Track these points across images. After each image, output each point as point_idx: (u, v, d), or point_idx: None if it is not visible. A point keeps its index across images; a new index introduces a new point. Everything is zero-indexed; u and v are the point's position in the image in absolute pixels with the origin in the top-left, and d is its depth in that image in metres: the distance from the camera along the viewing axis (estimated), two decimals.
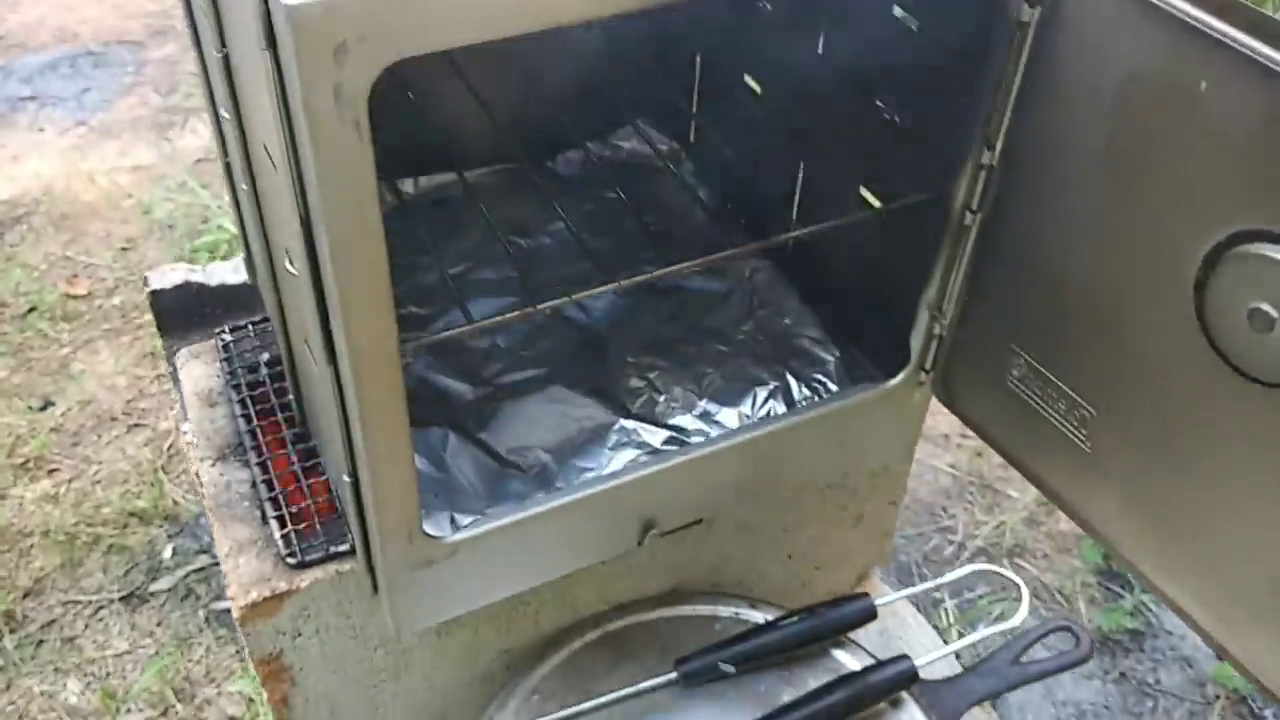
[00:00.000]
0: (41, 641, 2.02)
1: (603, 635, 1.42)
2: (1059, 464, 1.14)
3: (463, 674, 1.39)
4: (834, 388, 1.34)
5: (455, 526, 1.16)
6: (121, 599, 2.10)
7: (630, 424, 1.27)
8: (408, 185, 1.50)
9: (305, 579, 1.18)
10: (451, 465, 1.22)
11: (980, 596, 2.08)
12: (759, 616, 1.44)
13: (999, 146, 1.06)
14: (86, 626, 2.07)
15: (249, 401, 1.33)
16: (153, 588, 2.15)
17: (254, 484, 1.26)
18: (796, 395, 1.33)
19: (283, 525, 1.21)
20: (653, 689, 1.33)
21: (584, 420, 1.27)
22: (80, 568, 2.16)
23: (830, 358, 1.37)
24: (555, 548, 1.16)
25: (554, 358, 1.34)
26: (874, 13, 1.15)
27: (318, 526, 1.22)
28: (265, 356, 1.38)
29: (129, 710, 1.90)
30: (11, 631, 2.01)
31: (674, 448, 1.25)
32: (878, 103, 1.21)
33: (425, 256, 1.42)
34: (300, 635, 1.22)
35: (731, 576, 1.51)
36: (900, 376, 1.25)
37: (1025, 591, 1.33)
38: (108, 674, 1.97)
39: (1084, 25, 0.95)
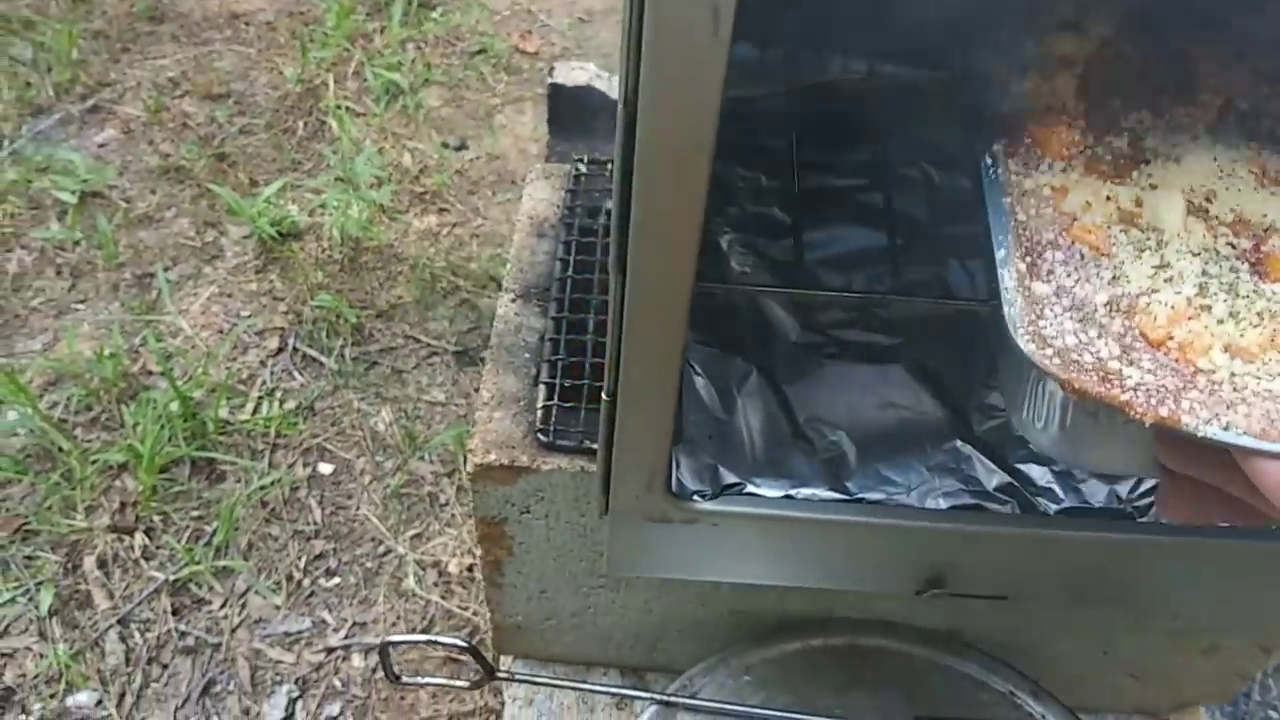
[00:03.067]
0: (375, 364, 2.11)
1: (847, 646, 1.21)
2: None
3: (686, 614, 1.24)
4: None
5: (716, 480, 0.98)
6: (455, 354, 2.14)
7: (966, 449, 1.01)
8: (848, 66, 1.24)
9: (549, 462, 1.06)
10: (740, 408, 1.02)
11: None
12: (1037, 711, 1.18)
13: None
14: (417, 366, 2.13)
15: (574, 246, 1.19)
16: (485, 354, 2.19)
17: (544, 337, 1.14)
18: None
19: (549, 395, 1.08)
20: None
21: (914, 421, 1.02)
22: (431, 310, 2.21)
23: None
24: (815, 560, 0.96)
25: (913, 331, 1.08)
26: None
27: (583, 412, 1.08)
28: (610, 204, 1.23)
29: (422, 458, 1.95)
30: (355, 344, 2.11)
31: (1008, 500, 0.98)
32: None
33: (829, 154, 1.18)
34: (528, 513, 1.11)
35: (1026, 643, 1.24)
36: None
37: None
38: (418, 417, 2.02)
39: None
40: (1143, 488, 1.00)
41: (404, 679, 1.18)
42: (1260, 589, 0.96)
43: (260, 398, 2.01)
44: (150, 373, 2.02)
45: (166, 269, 2.20)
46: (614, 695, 1.27)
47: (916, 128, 1.12)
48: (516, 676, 1.20)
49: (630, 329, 0.75)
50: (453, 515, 1.86)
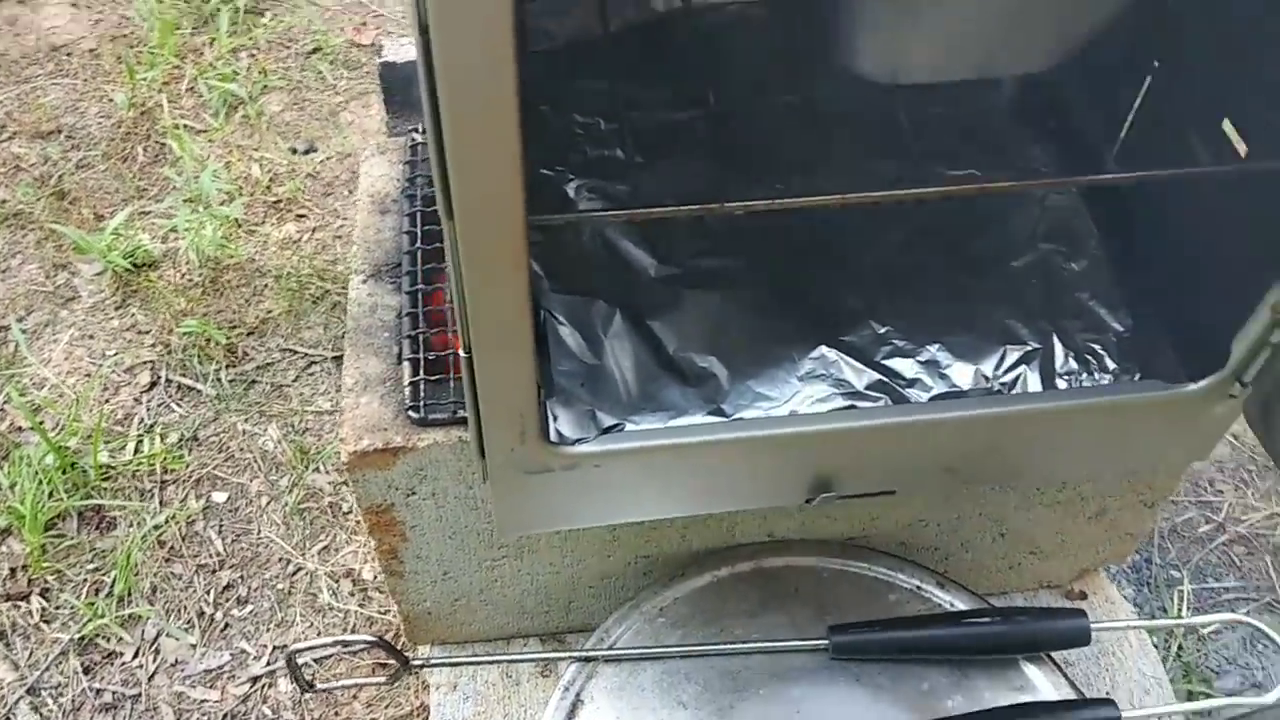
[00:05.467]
0: (254, 382, 2.05)
1: (754, 571, 1.22)
2: None
3: (593, 568, 1.23)
4: (1111, 365, 1.03)
5: (595, 425, 0.97)
6: (334, 359, 2.09)
7: (832, 354, 1.02)
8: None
9: (425, 438, 1.04)
10: (608, 350, 1.02)
11: (1227, 589, 1.75)
12: (945, 600, 1.20)
13: None
14: (297, 378, 2.08)
15: (420, 218, 1.17)
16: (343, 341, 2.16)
17: (400, 314, 1.12)
18: (1059, 365, 1.03)
19: (415, 371, 1.06)
20: (795, 649, 1.14)
21: (778, 334, 1.03)
22: (304, 319, 2.16)
23: (1117, 327, 1.05)
24: (700, 485, 0.96)
25: (766, 249, 1.08)
26: None
27: (452, 382, 1.06)
28: None
29: (317, 469, 1.90)
30: (229, 366, 2.05)
31: (880, 396, 1.00)
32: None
33: (661, 90, 1.18)
34: (414, 494, 1.09)
35: (926, 540, 1.27)
36: (1205, 382, 0.93)
37: None
38: (306, 429, 1.97)
39: None
40: (1006, 364, 1.03)
41: (317, 685, 1.16)
42: (1124, 443, 0.99)
43: (140, 436, 1.94)
44: (20, 429, 1.93)
45: (20, 319, 2.10)
46: (534, 662, 1.26)
47: (741, 55, 1.12)
48: (431, 661, 1.18)
49: (471, 274, 0.74)
50: (357, 522, 1.83)
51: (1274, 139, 0.88)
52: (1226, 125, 0.94)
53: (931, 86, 0.99)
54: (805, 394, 1.00)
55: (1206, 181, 0.92)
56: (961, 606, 1.19)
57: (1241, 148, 0.93)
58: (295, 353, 2.12)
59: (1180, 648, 1.63)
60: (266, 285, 2.21)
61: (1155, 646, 1.46)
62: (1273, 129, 0.88)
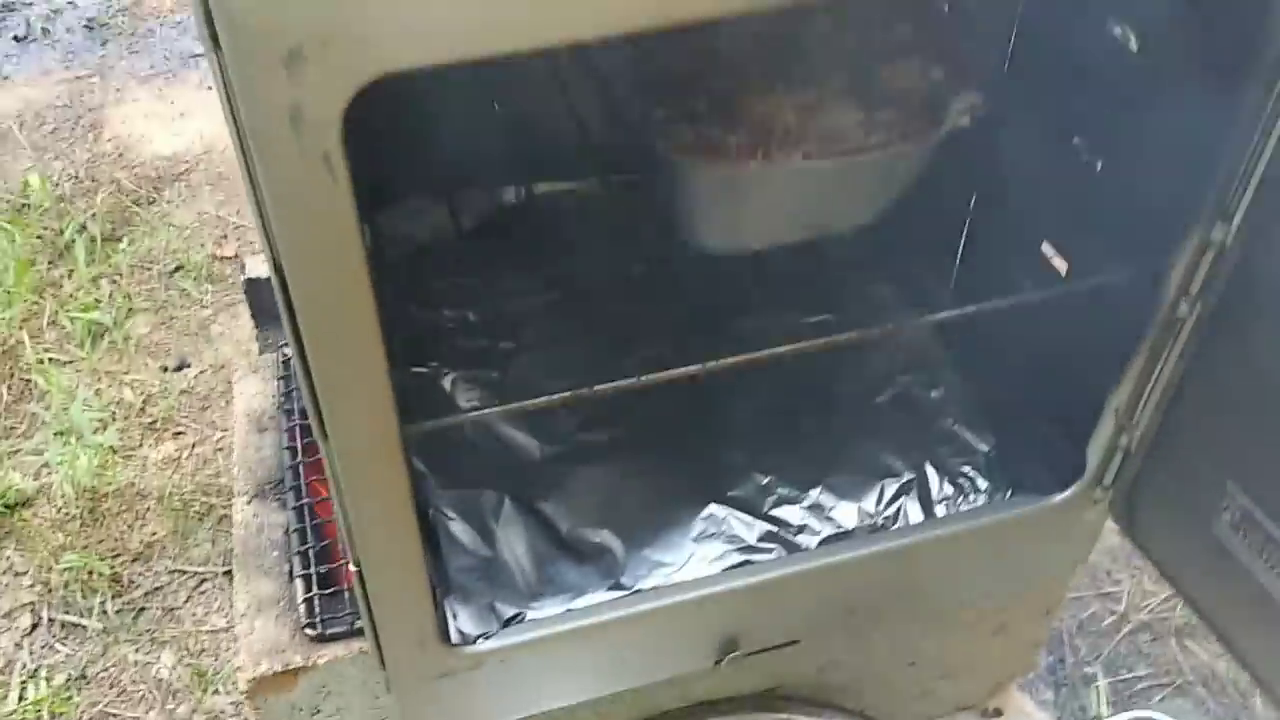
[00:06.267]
0: (143, 609, 1.97)
1: None
2: (1273, 642, 0.85)
3: None
4: (983, 485, 1.08)
5: (496, 618, 0.96)
6: (226, 573, 2.02)
7: (722, 511, 1.04)
8: (509, 194, 1.28)
9: (324, 654, 1.01)
10: (501, 539, 1.02)
11: (1140, 679, 1.78)
12: None
13: (1238, 219, 0.78)
14: (188, 599, 2.01)
15: (299, 432, 1.17)
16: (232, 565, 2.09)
17: (288, 531, 1.10)
18: (935, 493, 1.07)
19: (308, 587, 1.04)
20: None
21: (667, 500, 1.05)
22: (190, 537, 2.10)
23: (983, 447, 1.11)
24: (610, 663, 0.95)
25: (645, 416, 1.11)
26: (1081, 25, 0.87)
27: (347, 594, 1.04)
28: None
29: (217, 692, 1.82)
30: (115, 596, 1.97)
31: (772, 547, 1.02)
32: (1075, 139, 0.93)
33: (520, 278, 1.22)
34: (319, 712, 1.06)
35: (841, 679, 1.27)
36: (1070, 491, 0.98)
37: None
38: (202, 650, 1.89)
39: None
40: (886, 498, 1.06)
41: None
42: (1008, 558, 1.02)
43: (23, 682, 1.84)
44: None
45: None
46: None
47: (591, 236, 1.18)
48: None
49: (351, 490, 0.75)
50: None
51: (1089, 258, 0.95)
52: (1046, 247, 1.02)
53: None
54: (700, 555, 1.01)
55: (1041, 302, 0.99)
56: None
57: (1063, 267, 1.00)
58: (184, 573, 2.06)
59: (1100, 693, 1.66)
60: (149, 508, 2.15)
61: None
62: (1086, 249, 0.96)
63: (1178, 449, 0.90)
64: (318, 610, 1.03)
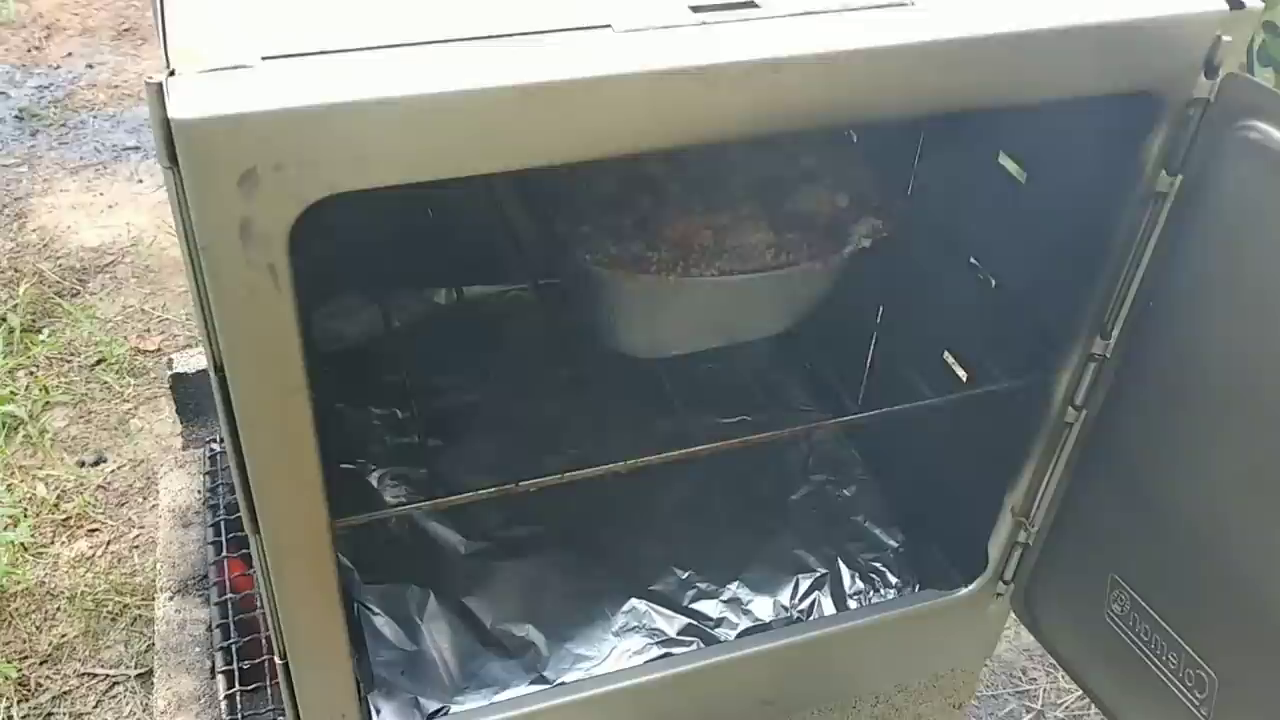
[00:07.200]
0: (50, 715, 1.90)
1: None
2: None
3: None
4: (893, 580, 1.13)
5: (420, 713, 0.98)
6: (138, 677, 1.97)
7: (643, 605, 1.07)
8: (440, 296, 1.33)
9: None
10: (426, 635, 1.04)
11: None
12: None
13: (1115, 335, 0.85)
14: (98, 704, 1.94)
15: (223, 527, 1.18)
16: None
17: (211, 626, 1.10)
18: (848, 587, 1.12)
19: (230, 684, 1.04)
20: None
21: (589, 594, 1.08)
22: (102, 638, 2.04)
23: (892, 543, 1.16)
24: None
25: (569, 512, 1.14)
26: (974, 157, 0.96)
27: (269, 689, 1.05)
28: None
29: None
30: (21, 700, 1.90)
31: (691, 640, 1.05)
32: (971, 259, 1.01)
33: (449, 377, 1.26)
34: None
35: None
36: (974, 585, 1.03)
37: None
38: None
39: (1241, 200, 0.74)
40: (800, 592, 1.11)
41: None
42: (917, 649, 1.07)
43: None
44: None
45: None
46: None
47: (517, 339, 1.22)
48: None
49: (280, 583, 0.76)
50: None
51: (986, 367, 1.02)
52: (947, 356, 1.09)
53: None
54: (622, 648, 1.04)
55: (943, 406, 1.05)
56: None
57: (965, 375, 1.07)
58: (95, 675, 2.00)
59: None
60: (59, 608, 2.10)
61: None
62: (984, 359, 1.03)
63: (1070, 545, 0.96)
64: (239, 706, 1.03)
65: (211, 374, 0.68)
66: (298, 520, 0.73)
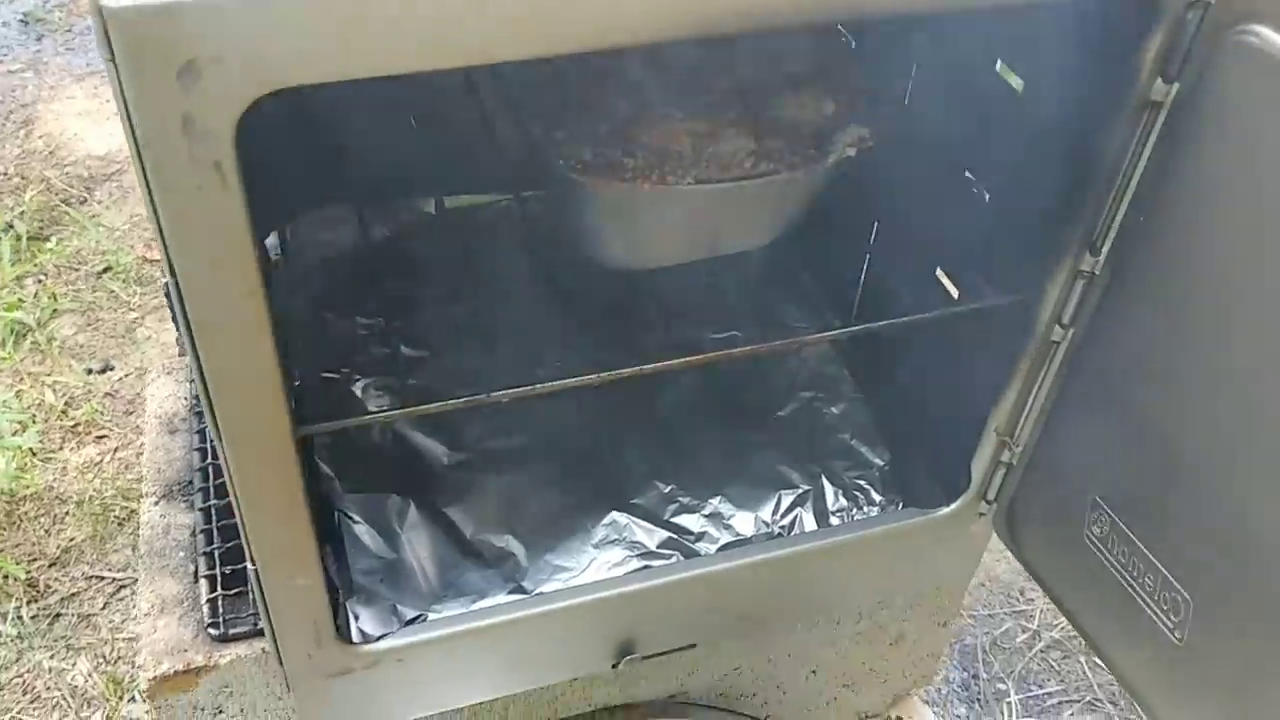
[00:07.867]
0: (59, 615, 1.94)
1: None
2: (1140, 652, 0.90)
3: None
4: (877, 498, 1.12)
5: (398, 620, 0.98)
6: None
7: (623, 518, 1.07)
8: (422, 207, 1.30)
9: (227, 654, 1.02)
10: (405, 544, 1.04)
11: (1050, 695, 1.83)
12: None
13: (1105, 251, 0.82)
14: (105, 605, 1.98)
15: (209, 434, 1.17)
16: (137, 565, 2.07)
17: (195, 532, 1.11)
18: (830, 504, 1.11)
19: (213, 588, 1.05)
20: None
21: (570, 506, 1.08)
22: (110, 543, 2.08)
23: (878, 462, 1.15)
24: (508, 664, 0.97)
25: (550, 425, 1.14)
26: (972, 65, 0.92)
27: (252, 594, 1.05)
28: None
29: (132, 699, 1.80)
30: (31, 601, 1.94)
31: (670, 553, 1.05)
32: (966, 173, 0.98)
33: (432, 288, 1.24)
34: (222, 713, 1.06)
35: (744, 687, 1.30)
36: (956, 504, 1.02)
37: None
38: (118, 658, 1.87)
39: (1238, 110, 0.71)
40: (782, 509, 1.10)
41: None
42: (899, 568, 1.06)
43: None
44: None
45: None
46: None
47: (501, 250, 1.20)
48: None
49: (245, 490, 0.76)
50: None
51: (977, 284, 1.00)
52: (939, 273, 1.06)
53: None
54: (601, 560, 1.04)
55: (932, 323, 1.03)
56: None
57: (954, 291, 1.05)
58: (102, 579, 2.03)
59: (1011, 709, 1.70)
60: (68, 512, 2.13)
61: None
62: (975, 275, 1.01)
63: (1052, 466, 0.95)
64: (221, 610, 1.04)
65: (166, 276, 0.67)
66: (259, 426, 0.73)
